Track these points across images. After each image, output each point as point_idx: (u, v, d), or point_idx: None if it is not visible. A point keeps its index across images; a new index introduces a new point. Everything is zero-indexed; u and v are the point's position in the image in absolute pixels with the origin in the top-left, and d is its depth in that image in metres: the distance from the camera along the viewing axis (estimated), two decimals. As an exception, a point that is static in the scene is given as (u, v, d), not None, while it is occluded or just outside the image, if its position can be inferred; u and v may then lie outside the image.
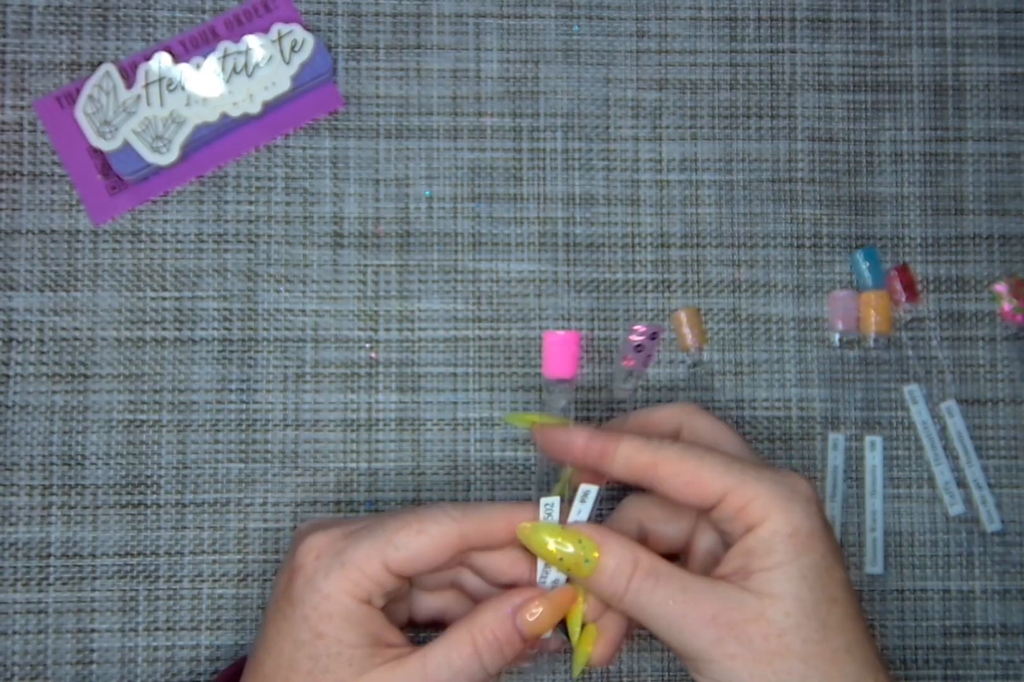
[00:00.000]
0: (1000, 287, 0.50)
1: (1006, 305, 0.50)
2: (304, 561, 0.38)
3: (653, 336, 0.40)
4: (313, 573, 0.38)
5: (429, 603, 0.43)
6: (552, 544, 0.38)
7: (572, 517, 0.40)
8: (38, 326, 0.48)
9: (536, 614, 0.38)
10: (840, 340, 0.49)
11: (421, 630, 0.43)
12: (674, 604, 0.37)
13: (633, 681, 0.48)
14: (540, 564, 0.40)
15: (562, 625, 0.40)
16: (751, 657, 0.36)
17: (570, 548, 0.38)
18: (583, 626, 0.40)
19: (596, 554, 0.38)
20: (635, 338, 0.40)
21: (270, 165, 0.49)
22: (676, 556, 0.42)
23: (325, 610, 0.37)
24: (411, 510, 0.40)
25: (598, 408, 0.49)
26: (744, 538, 0.37)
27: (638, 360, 0.40)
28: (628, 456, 0.39)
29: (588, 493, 0.40)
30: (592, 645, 0.40)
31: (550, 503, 0.40)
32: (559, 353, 0.40)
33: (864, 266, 0.49)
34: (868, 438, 0.49)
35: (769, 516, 0.37)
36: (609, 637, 0.40)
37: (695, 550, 0.41)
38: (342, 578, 0.37)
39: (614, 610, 0.40)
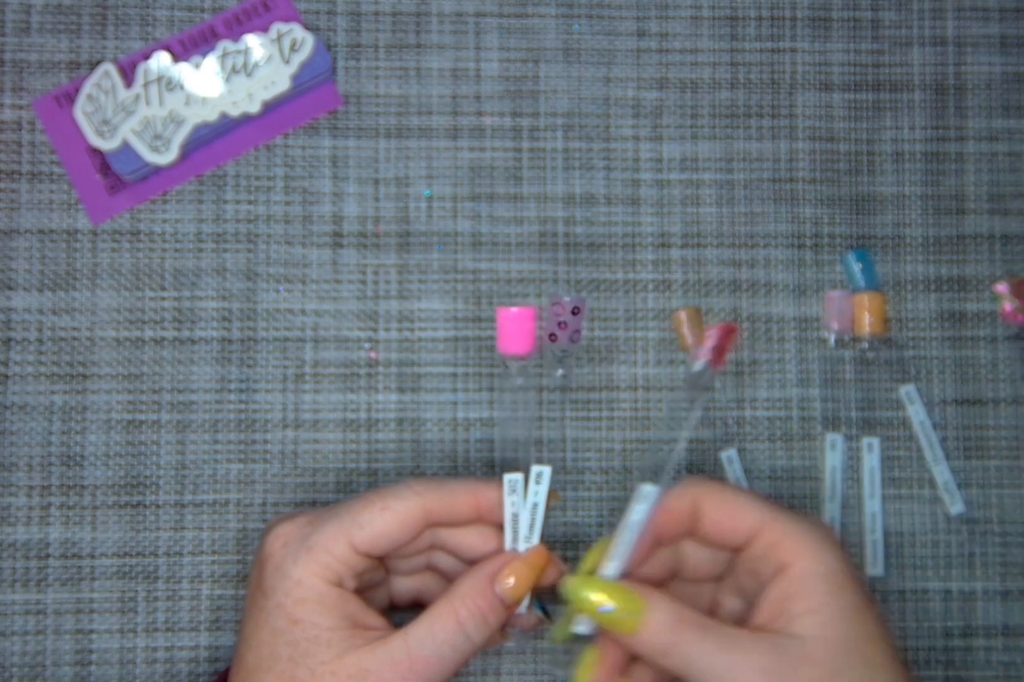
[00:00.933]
0: (1001, 287, 0.50)
1: (1007, 305, 0.50)
2: (272, 550, 0.39)
3: (575, 311, 0.39)
4: (281, 560, 0.38)
5: (407, 586, 0.43)
6: (598, 599, 0.38)
7: (530, 498, 0.40)
8: (37, 326, 0.48)
9: (512, 579, 0.39)
10: (836, 341, 0.49)
11: (403, 614, 0.43)
12: (724, 656, 0.36)
13: (633, 682, 0.48)
14: (507, 530, 0.40)
15: (538, 602, 0.41)
16: None
17: (612, 605, 0.37)
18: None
19: (640, 610, 0.37)
20: (556, 314, 0.40)
21: (269, 165, 0.49)
22: None
23: (298, 596, 0.37)
24: (375, 489, 0.40)
25: (595, 408, 0.49)
26: (778, 580, 0.38)
27: (563, 337, 0.40)
28: (671, 506, 0.39)
29: (541, 473, 0.41)
30: (592, 671, 0.39)
31: (514, 479, 0.40)
32: (514, 329, 0.40)
33: (856, 268, 0.49)
34: (865, 440, 0.49)
35: (802, 555, 0.37)
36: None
37: (719, 615, 0.41)
38: (310, 562, 0.38)
39: (643, 671, 0.39)
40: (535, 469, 0.41)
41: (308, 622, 0.37)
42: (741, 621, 0.40)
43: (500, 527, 0.41)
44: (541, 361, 0.41)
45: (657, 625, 0.37)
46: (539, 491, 0.41)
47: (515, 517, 0.41)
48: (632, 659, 0.40)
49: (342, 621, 0.38)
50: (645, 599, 0.38)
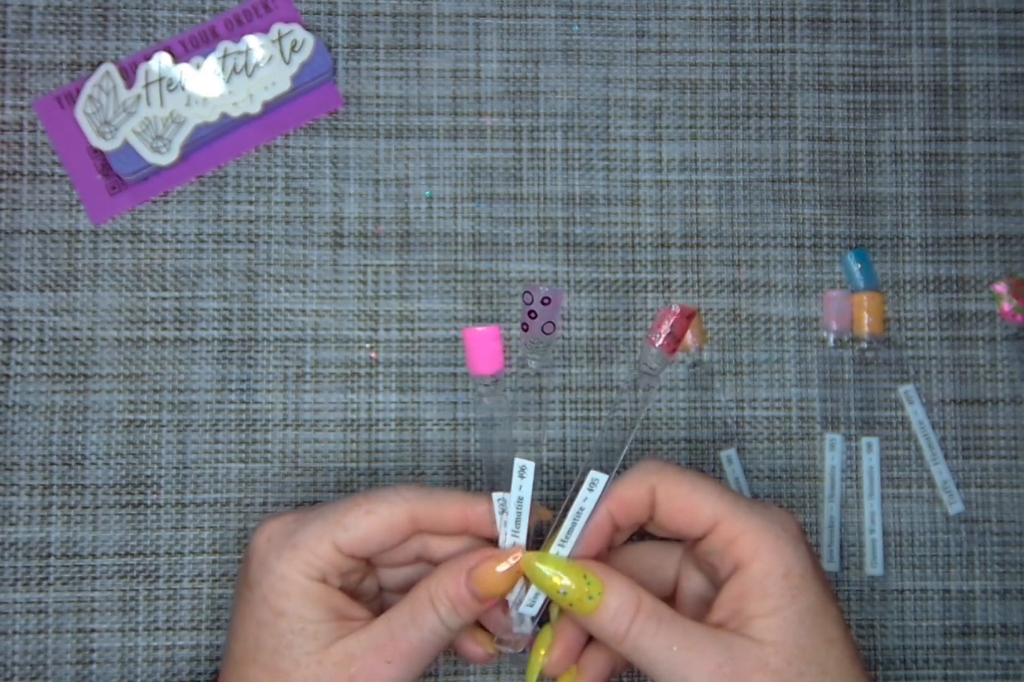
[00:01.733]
0: (1000, 287, 0.50)
1: (1006, 305, 0.50)
2: (257, 544, 0.39)
3: (545, 301, 0.38)
4: (266, 555, 0.38)
5: (396, 576, 0.43)
6: (556, 577, 0.38)
7: (514, 493, 0.40)
8: (38, 326, 0.48)
9: (488, 574, 0.38)
10: (835, 340, 0.49)
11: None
12: (677, 650, 0.36)
13: (633, 681, 0.48)
14: (503, 530, 0.40)
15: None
16: None
17: (571, 582, 0.38)
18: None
19: (600, 592, 0.37)
20: (526, 303, 0.38)
21: (270, 165, 0.49)
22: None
23: (282, 589, 0.38)
24: (364, 492, 0.40)
25: (595, 408, 0.49)
26: (735, 578, 0.37)
27: (534, 327, 0.38)
28: (624, 495, 0.39)
29: (525, 467, 0.40)
30: (547, 651, 0.39)
31: (503, 498, 0.40)
32: (481, 349, 0.39)
33: (855, 268, 0.49)
34: (864, 440, 0.49)
35: (759, 555, 0.37)
36: (591, 676, 0.40)
37: (682, 596, 0.41)
38: (294, 558, 0.38)
39: (599, 652, 0.40)
40: (518, 462, 0.40)
41: (293, 614, 0.37)
42: (703, 601, 0.40)
43: (489, 542, 0.41)
44: (515, 381, 0.41)
45: (614, 610, 0.37)
46: (523, 485, 0.40)
47: (520, 502, 0.40)
48: (589, 642, 0.40)
49: (327, 613, 0.38)
50: (604, 581, 0.37)
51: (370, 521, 0.39)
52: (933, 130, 0.51)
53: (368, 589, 0.42)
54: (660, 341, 0.38)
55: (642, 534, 0.42)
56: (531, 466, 0.40)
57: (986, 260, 0.50)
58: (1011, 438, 0.50)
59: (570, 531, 0.39)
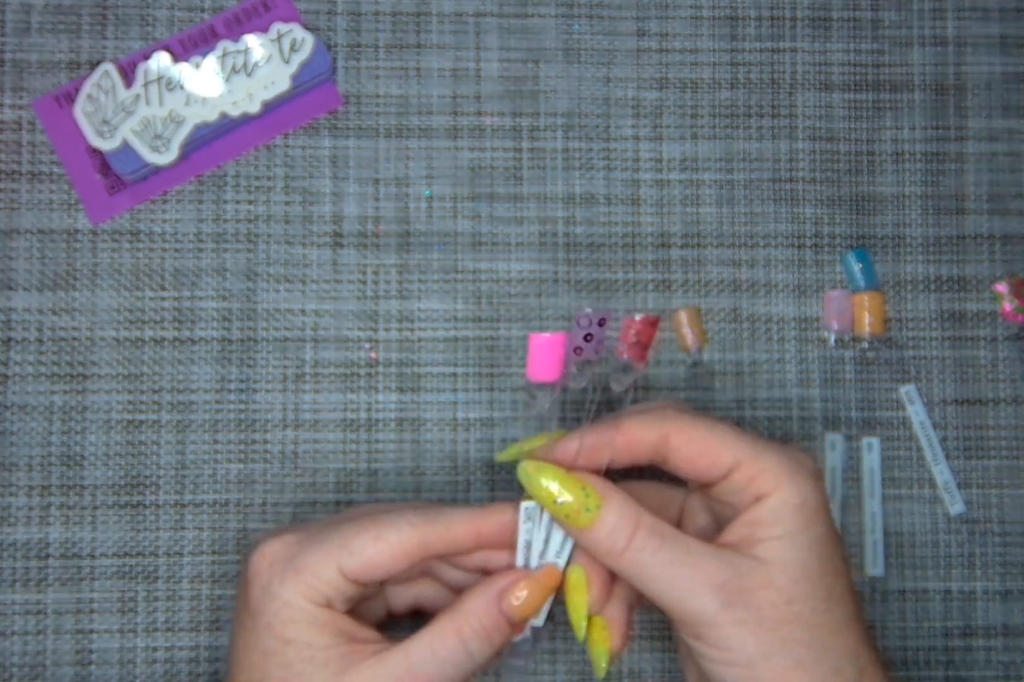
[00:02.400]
0: (1001, 287, 0.50)
1: (1007, 305, 0.50)
2: (258, 569, 0.37)
3: (601, 322, 0.38)
4: (268, 580, 0.37)
5: (404, 595, 0.42)
6: (553, 488, 0.37)
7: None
8: (37, 326, 0.48)
9: (522, 597, 0.37)
10: (836, 340, 0.49)
11: (401, 623, 0.42)
12: (680, 566, 0.35)
13: (633, 680, 0.48)
14: (520, 546, 0.39)
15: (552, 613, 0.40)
16: (758, 623, 0.35)
17: (569, 496, 0.37)
18: (589, 620, 0.38)
19: (598, 505, 0.36)
20: (582, 327, 0.38)
21: (269, 165, 0.49)
22: None
23: (287, 616, 0.36)
24: (370, 514, 0.38)
25: (598, 408, 0.49)
26: (751, 508, 0.37)
27: (588, 350, 0.38)
28: (633, 434, 0.38)
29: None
30: (608, 640, 0.38)
31: (531, 508, 0.39)
32: (544, 356, 0.39)
33: (856, 267, 0.49)
34: (865, 440, 0.49)
35: (779, 487, 0.36)
36: (617, 625, 0.39)
37: (685, 527, 0.40)
38: (298, 583, 0.36)
39: (616, 597, 0.39)
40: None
41: (301, 642, 0.36)
42: (706, 538, 0.39)
43: (506, 550, 0.39)
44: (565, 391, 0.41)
45: (612, 524, 0.36)
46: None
47: (528, 544, 0.39)
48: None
49: (336, 639, 0.36)
50: (602, 495, 0.37)
51: (378, 547, 0.37)
52: (934, 129, 0.51)
53: (375, 607, 0.41)
54: (627, 351, 0.38)
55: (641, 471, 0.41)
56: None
57: (987, 260, 0.50)
58: (1012, 438, 0.49)
59: (564, 541, 0.39)
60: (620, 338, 0.39)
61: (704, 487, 0.39)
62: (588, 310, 0.38)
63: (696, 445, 0.38)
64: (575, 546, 0.39)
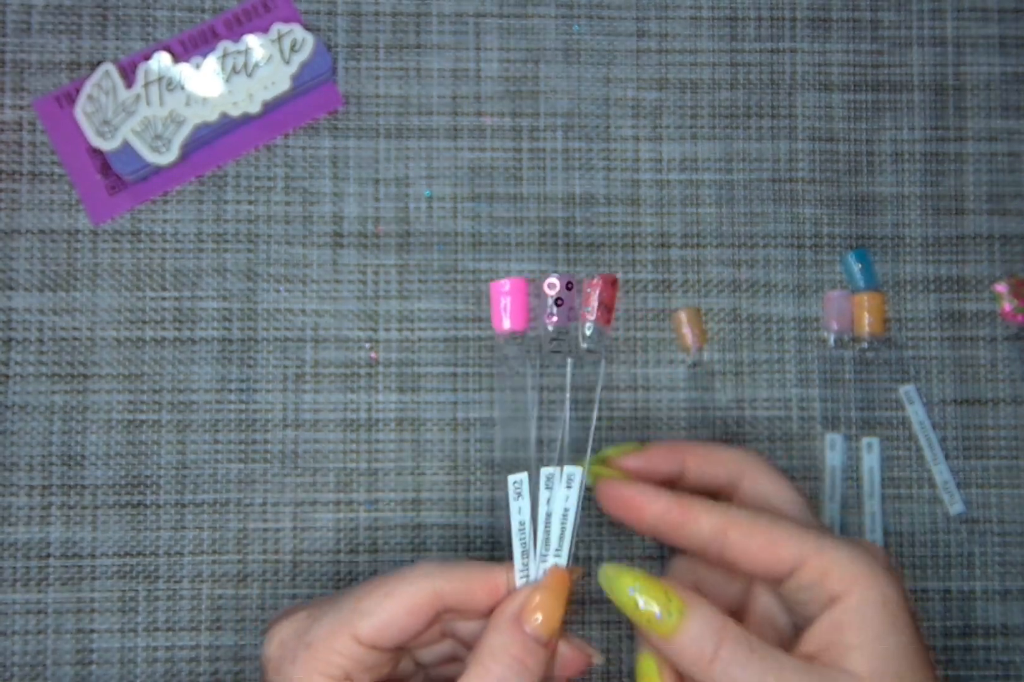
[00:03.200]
0: (1000, 287, 0.50)
1: (1006, 305, 0.50)
2: (269, 653, 0.36)
3: (569, 286, 0.37)
4: (280, 662, 0.35)
5: (432, 652, 0.39)
6: (635, 593, 0.35)
7: (558, 503, 0.36)
8: (37, 326, 0.48)
9: (540, 613, 0.35)
10: (835, 340, 0.49)
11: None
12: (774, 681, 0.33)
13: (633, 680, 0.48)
14: (517, 564, 0.37)
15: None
16: None
17: (652, 598, 0.34)
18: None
19: (681, 610, 0.34)
20: (550, 291, 0.36)
21: (270, 165, 0.49)
22: None
23: None
24: (381, 575, 0.36)
25: (598, 407, 0.49)
26: (830, 610, 0.34)
27: (560, 315, 0.37)
28: (706, 459, 0.37)
29: (573, 476, 0.37)
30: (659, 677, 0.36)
31: (519, 480, 0.37)
32: (509, 304, 0.37)
33: (856, 268, 0.49)
34: (864, 440, 0.49)
35: (856, 584, 0.34)
36: None
37: (752, 615, 0.38)
38: (310, 659, 0.34)
39: None
40: (567, 470, 0.36)
41: None
42: (775, 628, 0.37)
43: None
44: (539, 350, 0.39)
45: (697, 631, 0.34)
46: (570, 496, 0.36)
47: (522, 525, 0.37)
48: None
49: None
50: (685, 600, 0.35)
51: (391, 604, 0.35)
52: (934, 130, 0.51)
53: (405, 669, 0.39)
54: (594, 315, 0.37)
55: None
56: (579, 473, 0.37)
57: (986, 260, 0.50)
58: (1012, 438, 0.49)
59: (561, 537, 0.37)
60: (582, 303, 0.37)
61: (772, 584, 0.37)
62: (555, 276, 0.37)
63: (756, 541, 0.35)
64: (574, 540, 0.37)
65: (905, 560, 0.49)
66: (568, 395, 0.39)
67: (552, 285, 0.37)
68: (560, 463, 0.38)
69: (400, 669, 0.38)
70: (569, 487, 0.37)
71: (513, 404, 0.40)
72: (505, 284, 0.37)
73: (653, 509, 0.36)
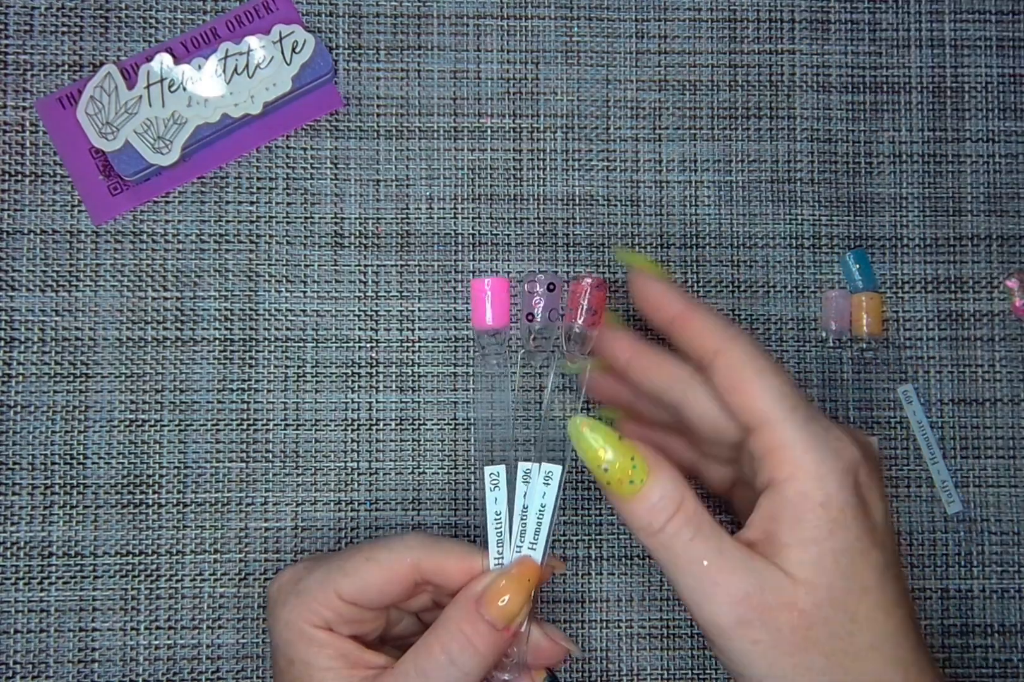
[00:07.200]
0: (1011, 283, 0.50)
1: (1018, 301, 0.50)
2: (270, 594, 0.39)
3: (551, 287, 0.37)
4: (274, 603, 0.38)
5: (420, 601, 0.41)
6: (603, 450, 0.35)
7: (535, 500, 0.37)
8: (39, 326, 0.48)
9: (505, 598, 0.36)
10: (834, 340, 0.49)
11: None
12: (708, 566, 0.34)
13: (633, 680, 0.48)
14: (492, 551, 0.38)
15: (549, 676, 0.39)
16: (774, 646, 0.33)
17: (616, 461, 0.34)
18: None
19: (643, 479, 0.34)
20: (532, 291, 0.37)
21: (271, 165, 0.49)
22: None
23: (288, 637, 0.37)
24: (370, 540, 0.39)
25: (597, 407, 0.49)
26: (768, 494, 0.34)
27: (542, 315, 0.37)
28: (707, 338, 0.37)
29: (551, 473, 0.37)
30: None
31: (495, 472, 0.38)
32: (489, 301, 0.37)
33: (854, 268, 0.49)
34: (866, 438, 0.49)
35: (797, 474, 0.34)
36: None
37: (739, 489, 0.39)
38: (297, 605, 0.37)
39: None
40: (544, 468, 0.37)
41: (300, 662, 0.37)
42: (747, 487, 0.37)
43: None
44: (522, 347, 0.39)
45: (653, 502, 0.34)
46: (547, 493, 0.37)
47: (498, 515, 0.38)
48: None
49: (336, 661, 0.37)
50: (651, 469, 0.34)
51: (370, 568, 0.37)
52: (932, 131, 0.51)
53: (396, 618, 0.41)
54: (583, 318, 0.37)
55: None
56: (558, 470, 0.37)
57: (985, 261, 0.51)
58: (1009, 438, 0.50)
59: (536, 532, 0.37)
60: (569, 304, 0.37)
61: (733, 447, 0.37)
62: (540, 274, 0.37)
63: (733, 380, 0.35)
64: (550, 536, 0.37)
65: (903, 559, 0.49)
66: (548, 393, 0.40)
67: (533, 284, 0.37)
68: (539, 459, 0.38)
69: (391, 618, 0.40)
70: (547, 484, 0.37)
71: (492, 401, 0.40)
72: (486, 281, 0.37)
73: (670, 310, 0.38)
